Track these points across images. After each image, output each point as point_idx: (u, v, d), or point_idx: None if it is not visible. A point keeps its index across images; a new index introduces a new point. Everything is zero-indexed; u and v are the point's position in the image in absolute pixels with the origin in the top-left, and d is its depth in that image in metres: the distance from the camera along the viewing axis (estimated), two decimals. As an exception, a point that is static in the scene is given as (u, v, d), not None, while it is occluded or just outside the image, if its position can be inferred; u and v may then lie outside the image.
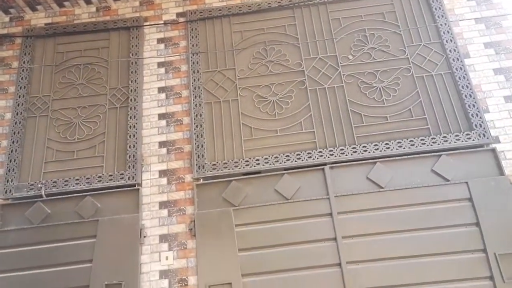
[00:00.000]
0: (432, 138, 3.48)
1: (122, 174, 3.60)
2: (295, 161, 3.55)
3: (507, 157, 3.40)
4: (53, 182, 3.60)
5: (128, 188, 3.58)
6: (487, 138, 3.41)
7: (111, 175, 3.60)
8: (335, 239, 3.29)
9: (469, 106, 3.56)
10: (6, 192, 3.58)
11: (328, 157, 3.53)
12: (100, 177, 3.60)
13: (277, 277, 3.24)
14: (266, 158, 3.58)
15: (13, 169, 3.66)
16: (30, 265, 3.36)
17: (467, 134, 3.46)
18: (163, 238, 3.45)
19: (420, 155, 3.46)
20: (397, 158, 3.46)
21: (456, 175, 3.36)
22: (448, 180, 3.35)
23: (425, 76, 3.76)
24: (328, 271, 3.22)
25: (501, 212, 3.19)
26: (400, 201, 3.34)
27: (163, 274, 3.34)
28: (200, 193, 3.53)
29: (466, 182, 3.31)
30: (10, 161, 3.69)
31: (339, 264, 3.22)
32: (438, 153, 3.43)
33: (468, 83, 3.62)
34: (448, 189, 3.33)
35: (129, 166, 3.62)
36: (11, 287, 3.30)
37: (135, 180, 3.57)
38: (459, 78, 3.67)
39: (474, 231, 3.20)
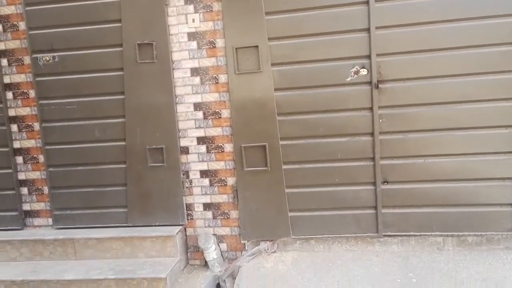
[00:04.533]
0: None
1: None
2: None
3: None
4: None
5: None
6: None
7: None
8: (367, 2, 3.11)
9: None
10: None
11: None
12: None
13: (302, 41, 3.26)
14: None
15: None
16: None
17: None
18: (188, -1, 3.34)
19: None
20: None
21: None
22: None
23: None
24: (355, 36, 3.19)
25: None
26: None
27: (191, 36, 3.40)
28: None
29: None
30: None
31: (368, 29, 3.15)
32: None
33: None
34: None
35: None
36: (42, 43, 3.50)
37: None
38: None
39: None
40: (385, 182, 3.27)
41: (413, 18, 3.07)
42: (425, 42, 3.08)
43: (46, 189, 3.74)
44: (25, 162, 3.74)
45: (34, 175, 3.76)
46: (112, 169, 3.60)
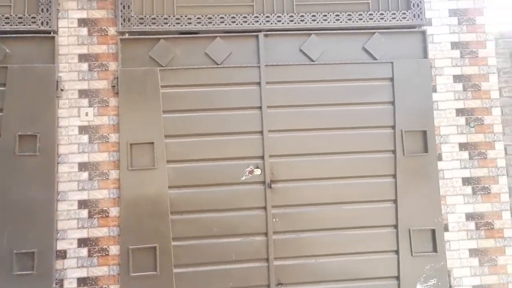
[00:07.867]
0: (369, 14, 3.41)
1: (34, 18, 3.20)
2: (229, 24, 3.35)
3: (434, 41, 3.47)
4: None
5: (42, 35, 3.22)
6: (421, 19, 3.41)
7: (20, 18, 3.19)
8: (260, 107, 3.33)
9: (404, -17, 3.47)
10: None
11: (264, 24, 3.37)
12: (7, 18, 3.17)
13: (199, 140, 3.29)
14: (198, 18, 3.33)
15: None
16: None
17: (403, 13, 3.42)
18: (82, 93, 3.27)
19: (355, 31, 3.42)
20: (332, 32, 3.40)
21: (384, 54, 3.41)
22: (376, 59, 3.40)
23: None
24: (250, 137, 3.32)
25: (416, 92, 3.37)
26: (328, 75, 3.38)
27: (83, 129, 3.25)
28: (124, 48, 3.29)
29: (392, 62, 3.38)
30: None
31: (261, 132, 3.31)
32: (372, 31, 3.41)
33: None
34: (375, 67, 3.40)
35: (42, 9, 3.21)
36: None
37: (50, 27, 3.21)
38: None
39: (388, 109, 3.39)
40: (279, 284, 3.17)
41: (300, 124, 3.34)
42: (310, 147, 3.32)
43: None
44: None
45: None
46: (-35, 280, 2.96)
